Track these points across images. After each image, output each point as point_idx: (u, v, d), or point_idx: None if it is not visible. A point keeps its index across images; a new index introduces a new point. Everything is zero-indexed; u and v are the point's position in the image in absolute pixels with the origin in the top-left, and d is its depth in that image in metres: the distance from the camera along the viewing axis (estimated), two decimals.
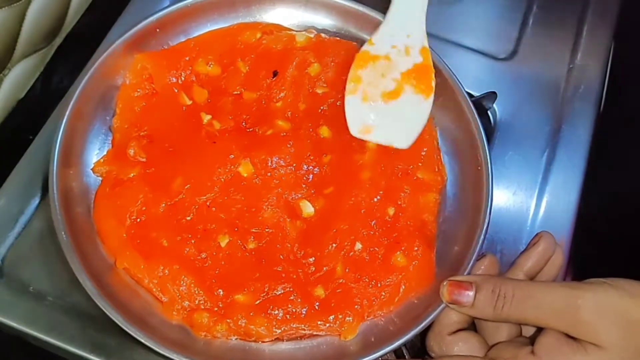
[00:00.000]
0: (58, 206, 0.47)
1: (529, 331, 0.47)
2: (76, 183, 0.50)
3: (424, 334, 0.47)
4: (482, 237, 0.49)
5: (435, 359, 0.47)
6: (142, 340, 0.44)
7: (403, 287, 0.49)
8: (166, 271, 0.48)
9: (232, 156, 0.51)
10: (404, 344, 0.48)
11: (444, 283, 0.46)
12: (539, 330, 0.44)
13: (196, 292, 0.48)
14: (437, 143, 0.55)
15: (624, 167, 0.70)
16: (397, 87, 0.53)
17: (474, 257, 0.48)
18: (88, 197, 0.51)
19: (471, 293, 0.44)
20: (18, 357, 0.55)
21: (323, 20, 0.58)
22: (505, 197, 0.61)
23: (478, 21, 0.70)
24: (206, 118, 0.53)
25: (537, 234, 0.50)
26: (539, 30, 0.70)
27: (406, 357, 0.51)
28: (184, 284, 0.48)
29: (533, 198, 0.61)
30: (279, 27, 0.57)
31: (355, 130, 0.53)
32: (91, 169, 0.51)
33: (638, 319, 0.40)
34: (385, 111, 0.53)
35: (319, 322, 0.48)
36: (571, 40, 0.69)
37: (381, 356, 0.46)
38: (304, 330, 0.48)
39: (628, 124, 0.71)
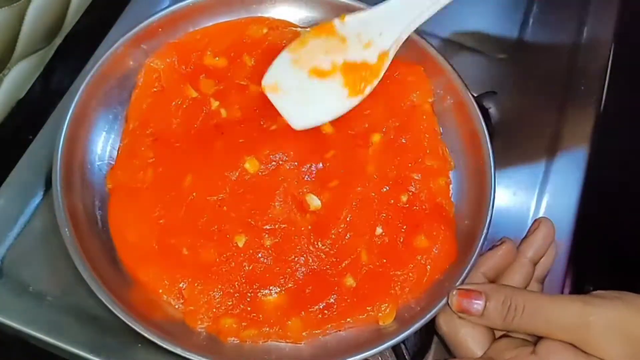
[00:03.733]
0: (61, 203, 0.47)
1: None
2: (80, 180, 0.50)
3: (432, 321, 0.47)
4: (489, 216, 0.49)
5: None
6: (146, 335, 0.44)
7: (429, 267, 0.49)
8: (187, 282, 0.47)
9: (238, 152, 0.51)
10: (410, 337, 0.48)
11: (453, 292, 0.46)
12: None
13: (220, 298, 0.47)
14: (440, 137, 0.55)
15: (624, 167, 0.70)
16: (329, 70, 0.50)
17: (484, 234, 0.48)
18: (91, 194, 0.51)
19: (481, 302, 0.44)
20: (18, 357, 0.55)
21: (326, 17, 0.58)
22: (505, 197, 0.61)
23: (478, 21, 0.70)
24: (215, 104, 0.54)
25: (535, 220, 0.50)
26: (539, 30, 0.70)
27: (406, 357, 0.51)
28: (208, 291, 0.47)
29: (533, 198, 0.61)
30: (284, 23, 0.58)
31: (265, 80, 0.51)
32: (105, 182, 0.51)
33: None
34: (303, 84, 0.50)
35: (360, 316, 0.48)
36: (571, 40, 0.69)
37: (419, 329, 0.46)
38: (343, 325, 0.48)
39: (628, 124, 0.71)
